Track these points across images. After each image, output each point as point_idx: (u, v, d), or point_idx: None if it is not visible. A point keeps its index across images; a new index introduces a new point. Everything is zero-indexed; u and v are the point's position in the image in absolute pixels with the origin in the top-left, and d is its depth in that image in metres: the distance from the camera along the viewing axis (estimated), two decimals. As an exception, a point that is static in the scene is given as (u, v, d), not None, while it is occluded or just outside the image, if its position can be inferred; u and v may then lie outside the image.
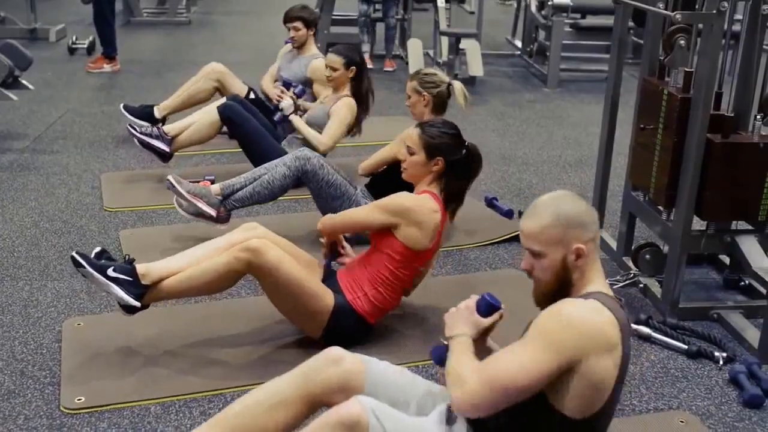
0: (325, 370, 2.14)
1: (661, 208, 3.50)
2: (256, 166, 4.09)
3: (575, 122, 6.48)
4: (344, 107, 4.43)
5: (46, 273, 3.61)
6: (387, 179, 3.76)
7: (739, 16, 3.50)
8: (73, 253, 2.82)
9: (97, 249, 2.94)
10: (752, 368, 2.98)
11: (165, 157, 4.72)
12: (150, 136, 4.68)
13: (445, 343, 2.14)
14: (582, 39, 8.57)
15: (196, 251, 2.99)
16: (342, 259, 3.21)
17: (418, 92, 3.83)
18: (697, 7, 3.42)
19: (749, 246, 3.35)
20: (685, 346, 3.16)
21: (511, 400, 1.93)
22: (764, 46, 3.46)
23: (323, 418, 1.96)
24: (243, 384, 2.77)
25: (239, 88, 5.32)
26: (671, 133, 3.33)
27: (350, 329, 3.01)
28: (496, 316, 2.19)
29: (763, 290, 3.49)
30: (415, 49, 7.56)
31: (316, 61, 5.09)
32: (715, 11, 3.08)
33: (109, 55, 7.47)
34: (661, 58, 3.57)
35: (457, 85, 3.84)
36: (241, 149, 4.71)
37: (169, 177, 3.78)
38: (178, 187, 3.74)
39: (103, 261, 2.87)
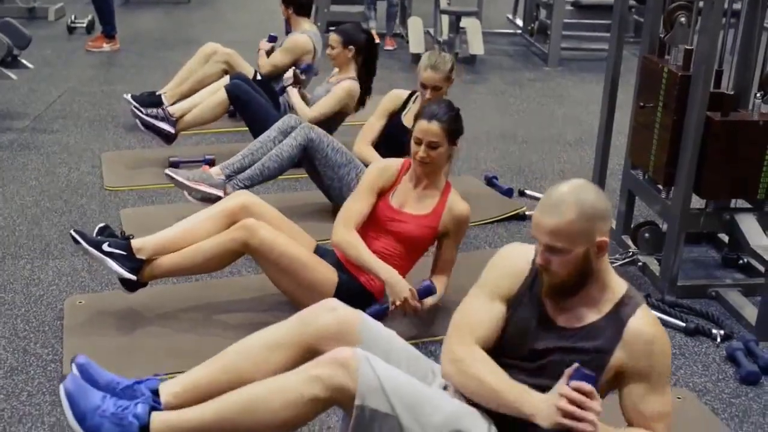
0: (321, 316, 2.17)
1: (660, 186, 3.51)
2: None
3: (576, 101, 6.48)
4: (342, 89, 4.47)
5: (47, 252, 3.63)
6: (380, 150, 3.83)
7: (739, -6, 3.50)
8: (71, 231, 2.94)
9: (101, 225, 3.05)
10: (749, 345, 3.00)
11: (169, 138, 4.71)
12: (156, 118, 4.66)
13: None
14: (583, 17, 8.53)
15: (190, 221, 3.05)
16: None
17: (449, 80, 3.79)
18: (697, -16, 3.41)
19: (748, 224, 3.37)
20: (683, 324, 3.18)
21: None
22: (765, 24, 3.46)
23: (319, 357, 2.01)
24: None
25: (247, 70, 5.31)
26: (671, 112, 3.33)
27: (357, 305, 3.01)
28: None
29: (761, 268, 3.50)
30: (415, 27, 7.53)
31: (295, 35, 5.14)
32: (715, -11, 3.08)
33: (109, 34, 7.44)
34: (662, 35, 3.56)
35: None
36: (242, 129, 4.72)
37: (167, 171, 3.78)
38: (177, 178, 3.74)
39: (99, 237, 2.97)
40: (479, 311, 2.10)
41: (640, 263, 3.64)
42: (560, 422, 1.88)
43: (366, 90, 4.57)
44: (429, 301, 2.98)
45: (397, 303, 2.90)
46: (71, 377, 2.07)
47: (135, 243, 2.96)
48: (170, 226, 3.06)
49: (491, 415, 2.04)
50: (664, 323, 3.20)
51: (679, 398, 2.74)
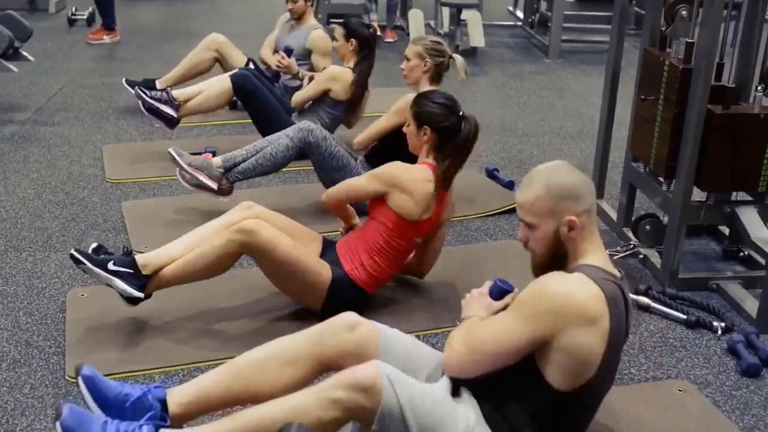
0: (340, 334, 2.16)
1: (661, 179, 3.51)
2: (264, 136, 4.10)
3: (576, 93, 6.47)
4: (323, 74, 4.61)
5: (49, 244, 3.63)
6: (385, 150, 3.77)
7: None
8: (72, 251, 2.84)
9: (94, 245, 2.95)
10: (750, 338, 3.01)
11: (172, 123, 4.70)
12: (159, 100, 4.64)
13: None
14: (584, 9, 8.51)
15: (195, 234, 3.00)
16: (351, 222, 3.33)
17: (420, 57, 3.81)
18: (699, -23, 3.41)
19: (749, 217, 3.36)
20: (684, 316, 3.18)
21: (492, 365, 2.01)
22: (766, 17, 3.46)
23: (338, 377, 1.97)
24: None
25: (238, 59, 5.32)
26: (672, 104, 3.33)
27: (349, 300, 3.01)
28: (507, 299, 2.20)
29: (762, 260, 3.51)
30: (416, 19, 7.53)
31: (315, 32, 5.07)
32: (717, -19, 3.08)
33: (109, 26, 7.44)
34: (663, 28, 3.56)
35: (459, 59, 3.85)
36: (243, 121, 4.71)
37: (171, 150, 3.79)
38: (180, 160, 3.75)
39: (102, 256, 2.89)
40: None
41: (640, 256, 3.64)
42: None
43: (364, 83, 4.56)
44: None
45: None
46: (68, 410, 1.97)
47: (139, 259, 2.88)
48: (175, 240, 2.99)
49: (504, 423, 2.05)
50: (665, 316, 3.22)
51: (680, 390, 2.75)
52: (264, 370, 2.13)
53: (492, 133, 5.36)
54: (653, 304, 3.26)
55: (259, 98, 4.61)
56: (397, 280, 3.32)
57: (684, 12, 3.38)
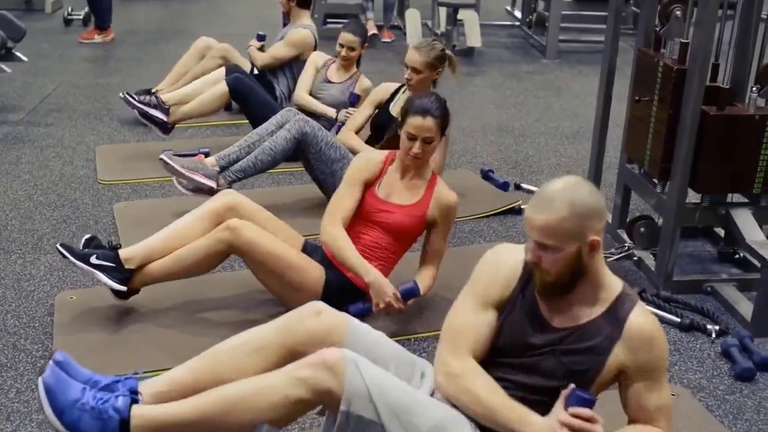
0: (307, 320, 2.15)
1: (655, 180, 3.48)
2: None
3: (573, 93, 6.45)
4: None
5: (39, 246, 3.61)
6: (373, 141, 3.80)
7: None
8: (58, 246, 2.91)
9: (87, 236, 3.01)
10: (744, 341, 2.98)
11: (165, 128, 4.69)
12: (148, 105, 4.65)
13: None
14: (582, 9, 8.48)
15: (176, 225, 3.02)
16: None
17: (433, 67, 3.75)
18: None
19: (743, 219, 3.34)
20: (678, 319, 3.15)
21: None
22: (762, 15, 3.43)
23: (306, 359, 1.98)
24: (234, 357, 2.77)
25: (243, 64, 5.28)
26: (666, 105, 3.30)
27: (347, 302, 3.00)
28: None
29: (757, 263, 3.48)
30: (413, 19, 7.50)
31: (299, 29, 5.02)
32: (711, -19, 3.05)
33: (101, 26, 7.41)
34: (657, 29, 3.53)
35: (453, 57, 3.83)
36: (236, 122, 4.70)
37: (162, 156, 3.76)
38: (172, 164, 3.72)
39: (87, 249, 2.94)
40: (471, 320, 2.06)
41: (635, 258, 3.61)
42: None
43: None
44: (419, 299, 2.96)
45: (381, 305, 2.89)
46: (51, 370, 2.04)
47: (123, 253, 2.93)
48: (158, 232, 3.02)
49: (480, 424, 2.01)
50: (659, 319, 3.18)
51: (673, 395, 2.69)
52: (233, 358, 2.13)
53: (488, 133, 5.33)
54: (647, 307, 3.22)
55: (254, 99, 4.60)
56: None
57: (678, 12, 3.35)
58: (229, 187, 3.81)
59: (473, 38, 7.30)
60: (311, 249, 3.12)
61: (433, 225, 3.07)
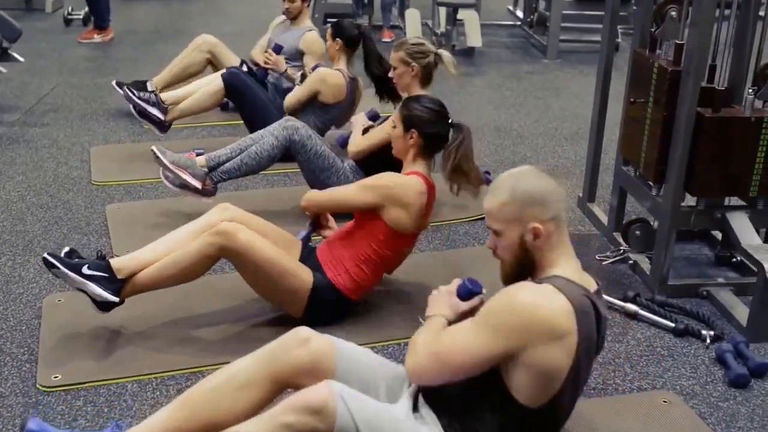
0: (293, 350, 2.08)
1: (650, 183, 3.44)
2: None
3: (573, 94, 6.40)
4: (313, 74, 4.51)
5: (29, 248, 3.58)
6: (378, 155, 3.72)
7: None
8: (45, 255, 2.77)
9: (66, 249, 2.87)
10: (739, 347, 2.94)
11: (162, 126, 4.66)
12: (147, 101, 4.62)
13: None
14: (583, 9, 8.42)
15: (171, 237, 2.94)
16: (324, 231, 3.17)
17: (405, 63, 3.74)
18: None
19: (740, 222, 3.29)
20: (672, 324, 3.11)
21: (456, 375, 1.95)
22: (759, 14, 3.38)
23: (290, 401, 1.91)
24: (221, 361, 2.69)
25: (231, 60, 5.26)
26: (661, 107, 3.26)
27: (331, 306, 2.97)
28: (475, 300, 2.16)
29: (753, 267, 3.43)
30: (413, 19, 7.46)
31: (309, 33, 5.00)
32: (706, -19, 3.00)
33: (100, 25, 7.39)
34: (653, 29, 3.49)
35: (446, 54, 3.76)
36: (233, 122, 4.67)
37: (153, 147, 3.73)
38: (162, 158, 3.69)
39: (76, 260, 2.81)
40: (477, 366, 1.95)
41: (630, 261, 3.57)
42: None
43: (376, 86, 4.32)
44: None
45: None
46: (33, 424, 2.00)
47: (114, 263, 2.82)
48: (150, 244, 2.94)
49: None
50: (653, 323, 3.15)
51: (665, 402, 2.68)
52: (218, 399, 2.05)
53: (485, 134, 5.29)
54: (641, 312, 3.19)
55: (249, 96, 4.59)
56: (380, 285, 3.25)
57: (674, 12, 3.31)
58: (215, 188, 3.79)
59: (473, 38, 7.25)
60: (307, 254, 3.08)
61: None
